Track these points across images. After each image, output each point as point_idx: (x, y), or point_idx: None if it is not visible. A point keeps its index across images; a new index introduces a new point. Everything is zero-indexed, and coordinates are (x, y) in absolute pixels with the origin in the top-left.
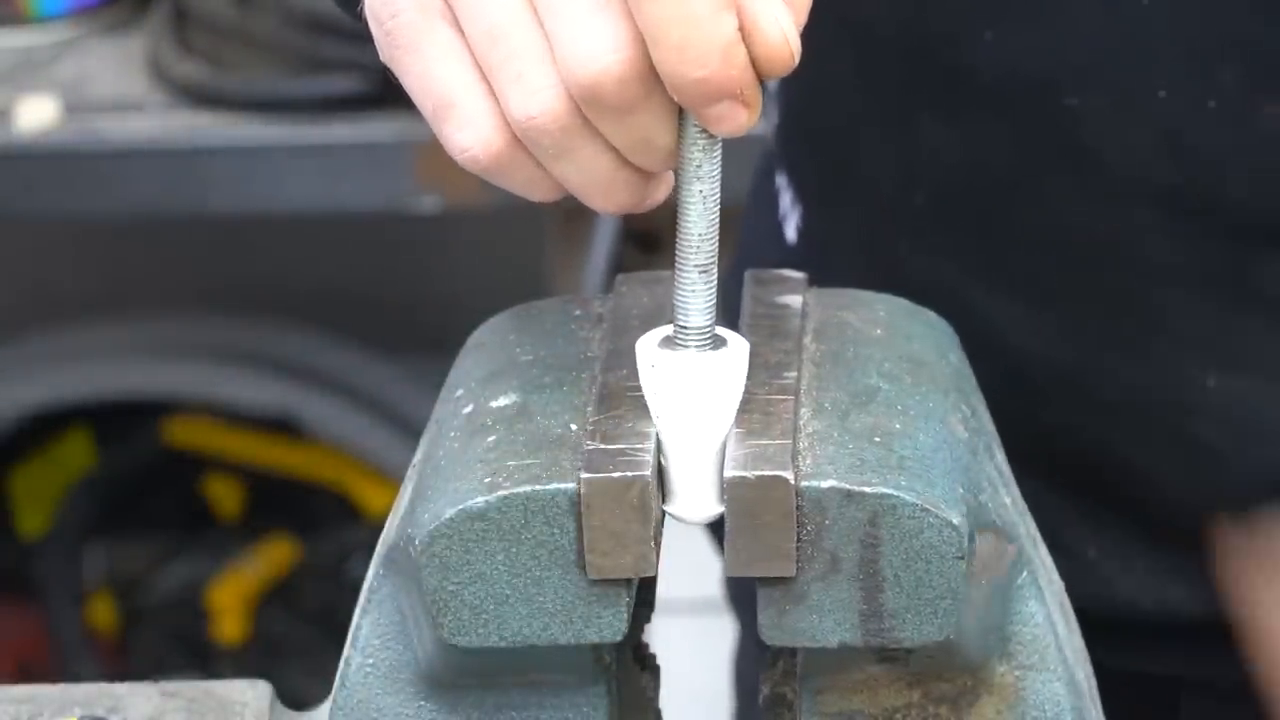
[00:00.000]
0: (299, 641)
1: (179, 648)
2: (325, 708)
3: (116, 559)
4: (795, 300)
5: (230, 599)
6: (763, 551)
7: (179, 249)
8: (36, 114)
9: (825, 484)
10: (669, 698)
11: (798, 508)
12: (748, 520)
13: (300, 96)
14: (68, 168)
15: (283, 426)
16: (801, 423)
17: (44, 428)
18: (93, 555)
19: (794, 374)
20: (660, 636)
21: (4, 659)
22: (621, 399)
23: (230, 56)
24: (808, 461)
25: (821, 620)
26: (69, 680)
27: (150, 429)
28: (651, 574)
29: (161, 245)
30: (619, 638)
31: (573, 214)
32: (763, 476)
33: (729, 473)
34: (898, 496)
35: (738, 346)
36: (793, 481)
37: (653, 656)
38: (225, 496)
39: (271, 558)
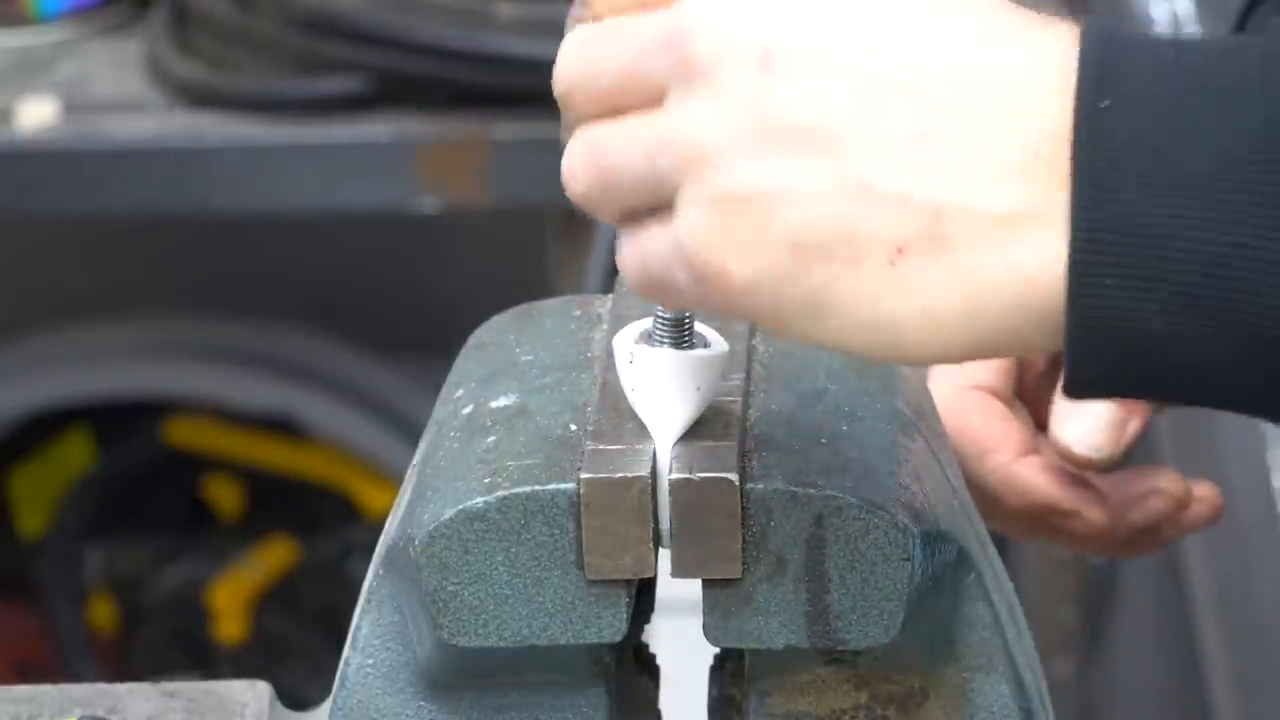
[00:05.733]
0: (299, 641)
1: (179, 648)
2: (325, 708)
3: (116, 559)
4: None
5: (230, 599)
6: (708, 553)
7: (179, 249)
8: (36, 114)
9: (771, 486)
10: (669, 698)
11: (743, 509)
12: (693, 522)
13: (300, 96)
14: (68, 168)
15: (283, 426)
16: (749, 424)
17: (44, 428)
18: (93, 555)
19: (742, 375)
20: (660, 636)
21: (4, 659)
22: (621, 399)
23: (230, 56)
24: (754, 463)
25: (767, 622)
26: (69, 680)
27: (150, 429)
28: (650, 575)
29: (161, 245)
30: (619, 638)
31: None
32: (707, 478)
33: (673, 475)
34: (843, 498)
35: (716, 345)
36: (738, 483)
37: (653, 657)
38: (225, 496)
39: (271, 558)
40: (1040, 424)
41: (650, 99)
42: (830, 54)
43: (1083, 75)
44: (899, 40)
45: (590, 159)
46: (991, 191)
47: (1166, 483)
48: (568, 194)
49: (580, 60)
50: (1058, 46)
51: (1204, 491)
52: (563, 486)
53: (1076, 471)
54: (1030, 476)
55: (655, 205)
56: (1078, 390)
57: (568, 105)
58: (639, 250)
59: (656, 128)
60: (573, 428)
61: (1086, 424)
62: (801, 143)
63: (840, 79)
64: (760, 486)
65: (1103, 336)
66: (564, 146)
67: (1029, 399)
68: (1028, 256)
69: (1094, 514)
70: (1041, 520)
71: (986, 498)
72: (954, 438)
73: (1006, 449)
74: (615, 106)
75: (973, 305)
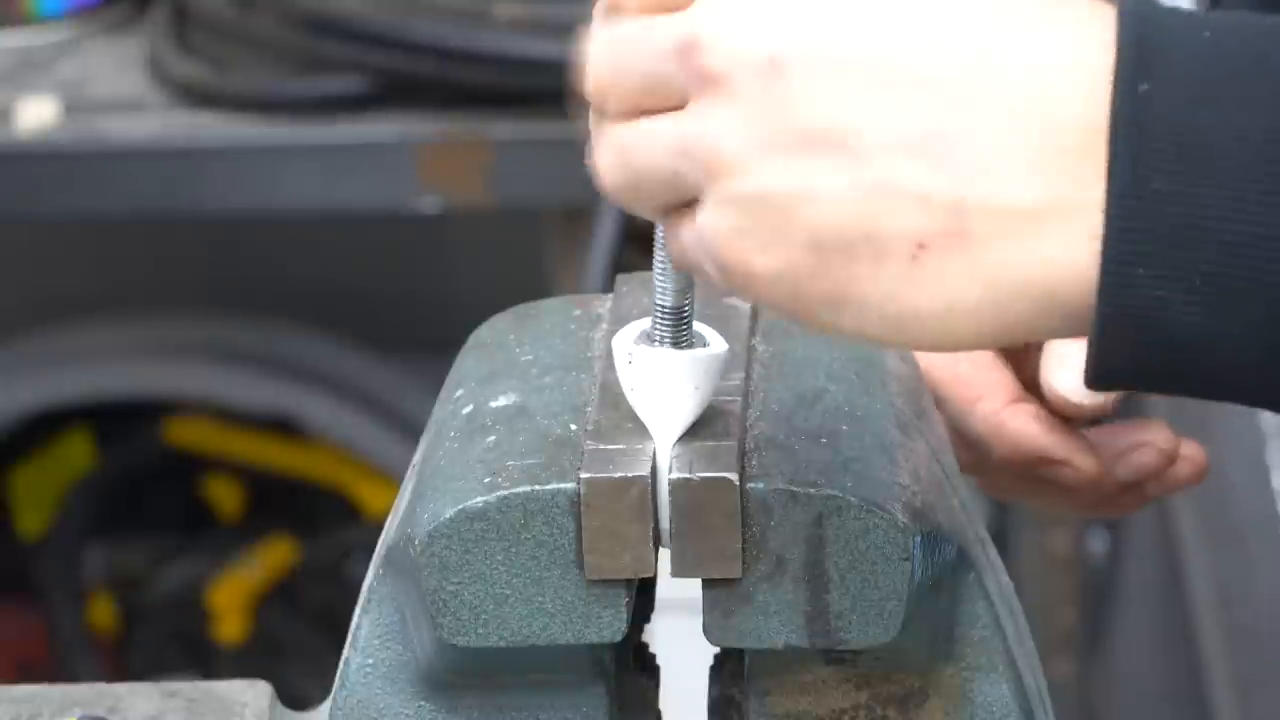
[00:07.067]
0: (299, 641)
1: (179, 648)
2: (325, 708)
3: (116, 559)
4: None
5: (230, 599)
6: (708, 553)
7: (179, 249)
8: (36, 114)
9: (771, 485)
10: (669, 698)
11: (743, 509)
12: (693, 522)
13: (300, 96)
14: (68, 168)
15: (283, 426)
16: (749, 424)
17: (44, 428)
18: (93, 555)
19: (742, 375)
20: (660, 636)
21: (4, 659)
22: (621, 399)
23: (230, 56)
24: (754, 463)
25: (767, 621)
26: (69, 680)
27: (150, 429)
28: (650, 574)
29: (161, 245)
30: (619, 638)
31: (573, 214)
32: (707, 478)
33: (673, 475)
34: (843, 498)
35: (716, 345)
36: (738, 483)
37: (653, 657)
38: (225, 496)
39: (271, 558)
40: (1023, 381)
41: (673, 102)
42: (839, 55)
43: (1121, 57)
44: (911, 34)
45: (619, 160)
46: (1014, 185)
47: (1156, 436)
48: (602, 191)
49: (609, 61)
50: (1085, 29)
51: (1189, 450)
52: (563, 486)
53: (1066, 422)
54: (1021, 424)
55: (683, 202)
56: (1099, 381)
57: (601, 106)
58: (676, 242)
59: (678, 132)
60: (573, 428)
61: (1079, 371)
62: (817, 144)
63: (851, 79)
64: (760, 486)
65: (1131, 328)
66: (586, 136)
67: (1011, 356)
68: (1053, 250)
69: (1085, 463)
70: (1030, 471)
71: (976, 448)
72: (943, 386)
73: (996, 397)
74: (641, 108)
75: (994, 299)
